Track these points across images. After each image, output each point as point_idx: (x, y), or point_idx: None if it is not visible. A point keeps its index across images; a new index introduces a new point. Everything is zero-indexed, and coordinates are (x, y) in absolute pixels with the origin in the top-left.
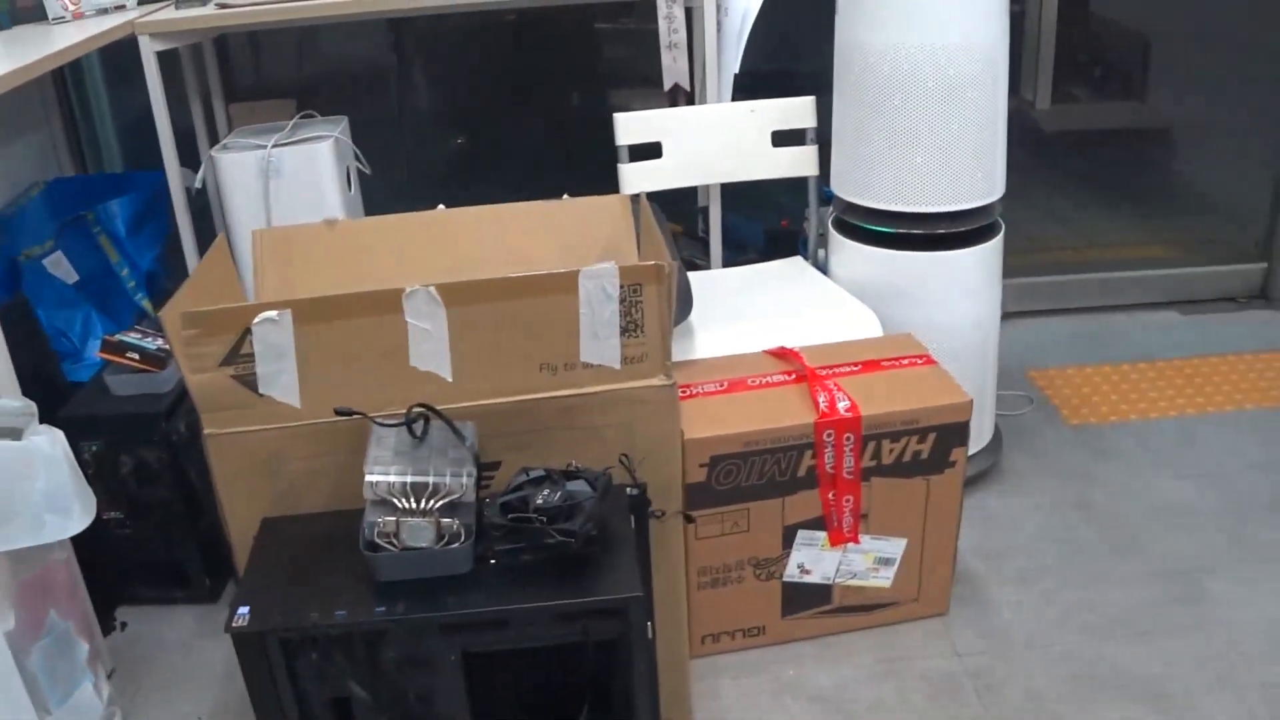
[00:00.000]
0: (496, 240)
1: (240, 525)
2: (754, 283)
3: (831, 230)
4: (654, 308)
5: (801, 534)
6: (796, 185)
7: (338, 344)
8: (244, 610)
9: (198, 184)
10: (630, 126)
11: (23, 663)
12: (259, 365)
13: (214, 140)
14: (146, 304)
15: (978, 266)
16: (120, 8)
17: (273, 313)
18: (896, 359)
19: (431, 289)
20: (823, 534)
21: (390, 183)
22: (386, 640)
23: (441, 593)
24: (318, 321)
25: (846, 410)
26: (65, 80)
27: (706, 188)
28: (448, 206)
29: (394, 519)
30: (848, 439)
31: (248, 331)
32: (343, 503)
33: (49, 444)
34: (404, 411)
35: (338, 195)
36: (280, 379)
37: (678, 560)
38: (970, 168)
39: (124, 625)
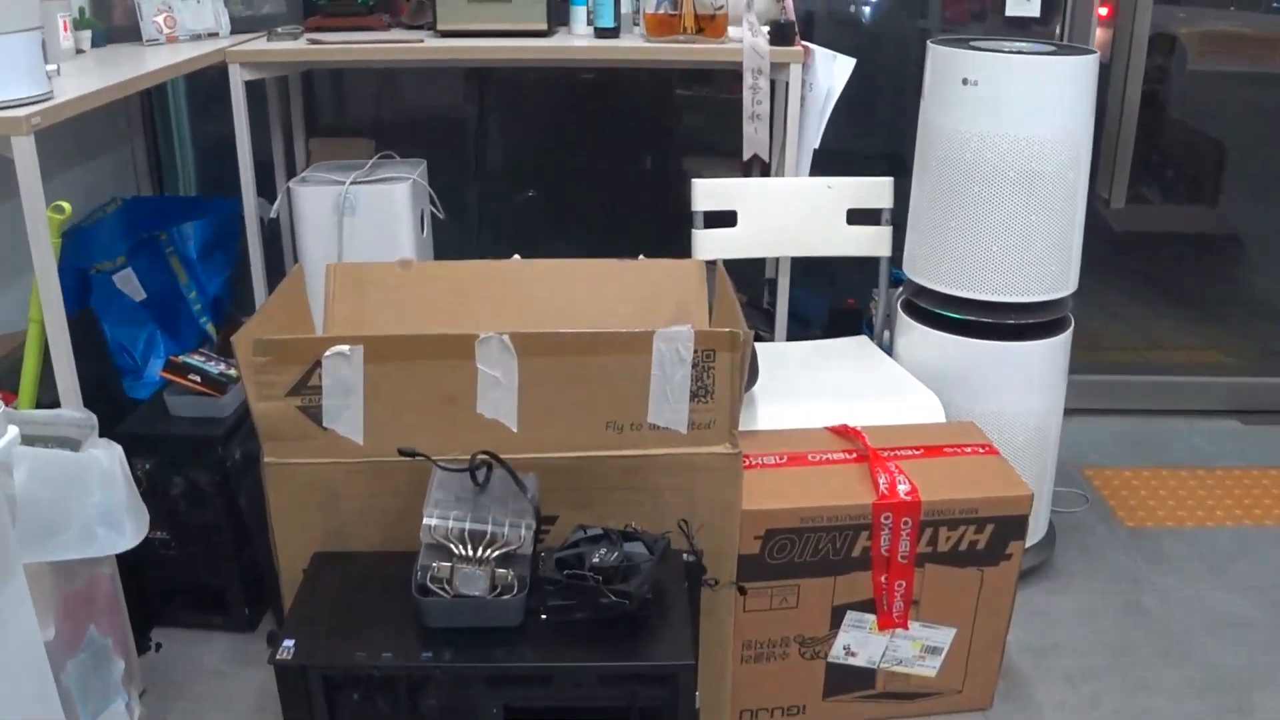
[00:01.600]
0: (569, 294)
1: (291, 557)
2: (818, 359)
3: (900, 312)
4: (725, 375)
5: (850, 615)
6: (863, 264)
7: (405, 384)
8: (289, 643)
9: (273, 214)
10: (708, 193)
11: (58, 676)
12: (325, 398)
13: (291, 172)
14: (210, 328)
15: (1045, 360)
16: (214, 35)
17: (344, 347)
18: (959, 446)
19: (505, 337)
20: (872, 617)
21: (460, 229)
22: (430, 687)
23: (489, 644)
24: (388, 360)
25: (906, 494)
26: (151, 101)
27: (776, 260)
28: (521, 258)
29: (449, 565)
30: (905, 523)
31: (318, 364)
32: (395, 544)
33: (107, 458)
34: (466, 457)
35: (410, 237)
36: (345, 414)
37: (726, 631)
38: (1045, 260)
39: (159, 646)
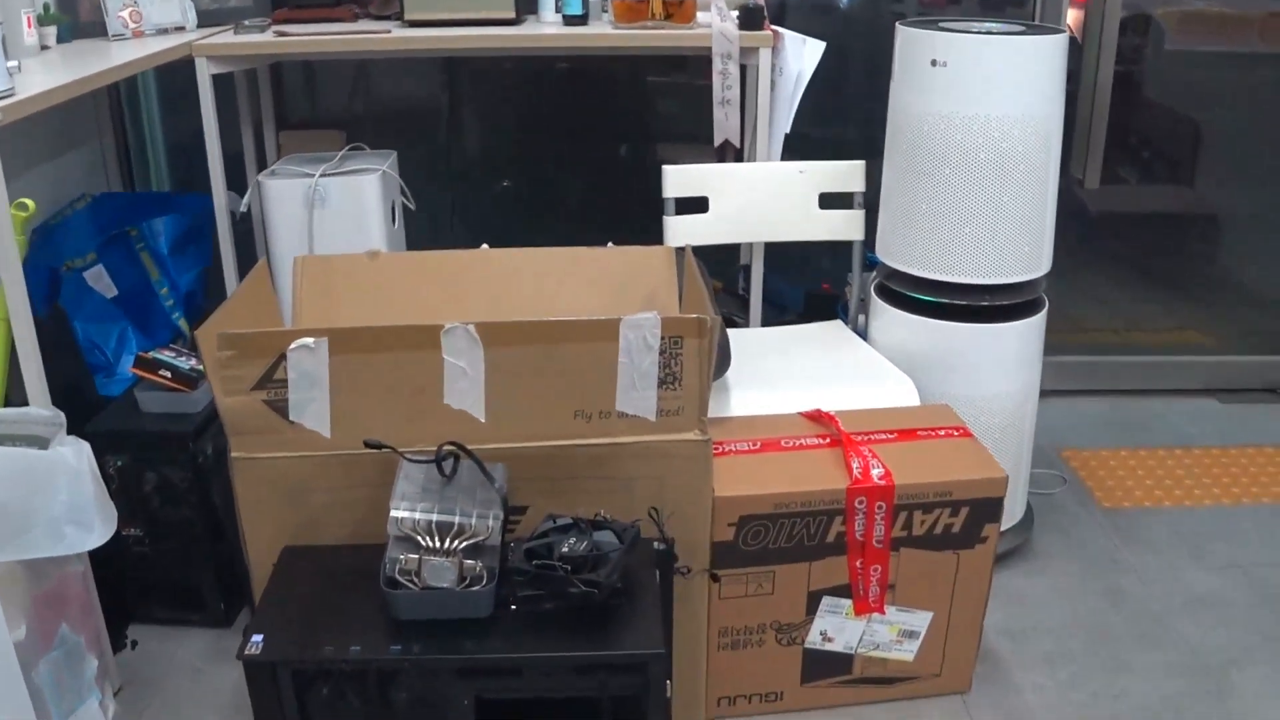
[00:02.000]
0: (539, 283)
1: (260, 551)
2: (792, 344)
3: (873, 296)
4: (694, 361)
5: (826, 600)
6: (837, 249)
7: (372, 376)
8: (257, 639)
9: (243, 208)
10: (678, 179)
11: (29, 675)
12: (291, 392)
13: (262, 166)
14: (183, 324)
15: (1019, 341)
16: (180, 29)
17: (309, 340)
18: (933, 429)
19: (470, 328)
20: (848, 602)
21: (434, 220)
22: (400, 680)
23: (459, 635)
24: (353, 352)
25: (880, 478)
26: (120, 97)
27: (750, 245)
28: (490, 248)
29: (416, 557)
30: (879, 507)
31: (283, 357)
32: (365, 537)
33: (74, 455)
34: (434, 448)
35: (381, 228)
36: (312, 407)
37: (700, 619)
38: (1018, 241)
39: (134, 644)
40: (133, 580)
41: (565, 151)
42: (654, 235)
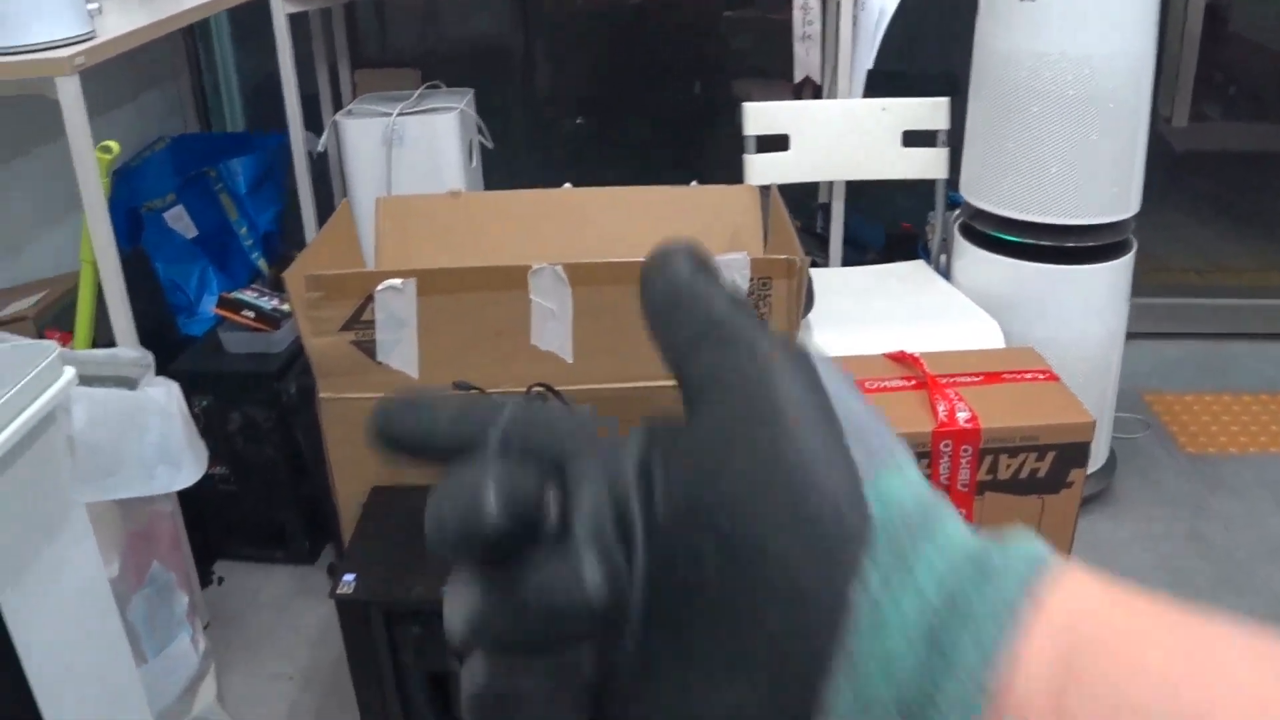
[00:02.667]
0: (622, 223)
1: (348, 491)
2: (875, 284)
3: (957, 236)
4: (782, 303)
5: None
6: (917, 187)
7: (458, 317)
8: (350, 578)
9: (320, 148)
10: (759, 117)
11: (124, 611)
12: (379, 332)
13: (337, 105)
14: (262, 263)
15: (1106, 283)
16: None
17: (397, 281)
18: (1019, 372)
19: (559, 268)
20: None
21: (508, 159)
22: None
23: None
24: (440, 292)
25: (966, 421)
26: (195, 38)
27: (829, 184)
28: (562, 187)
29: None
30: (965, 451)
31: (370, 298)
32: None
33: (164, 396)
34: (520, 389)
35: (459, 167)
36: (399, 347)
37: None
38: (1106, 181)
39: (221, 580)
40: (218, 518)
41: (639, 89)
42: (728, 173)
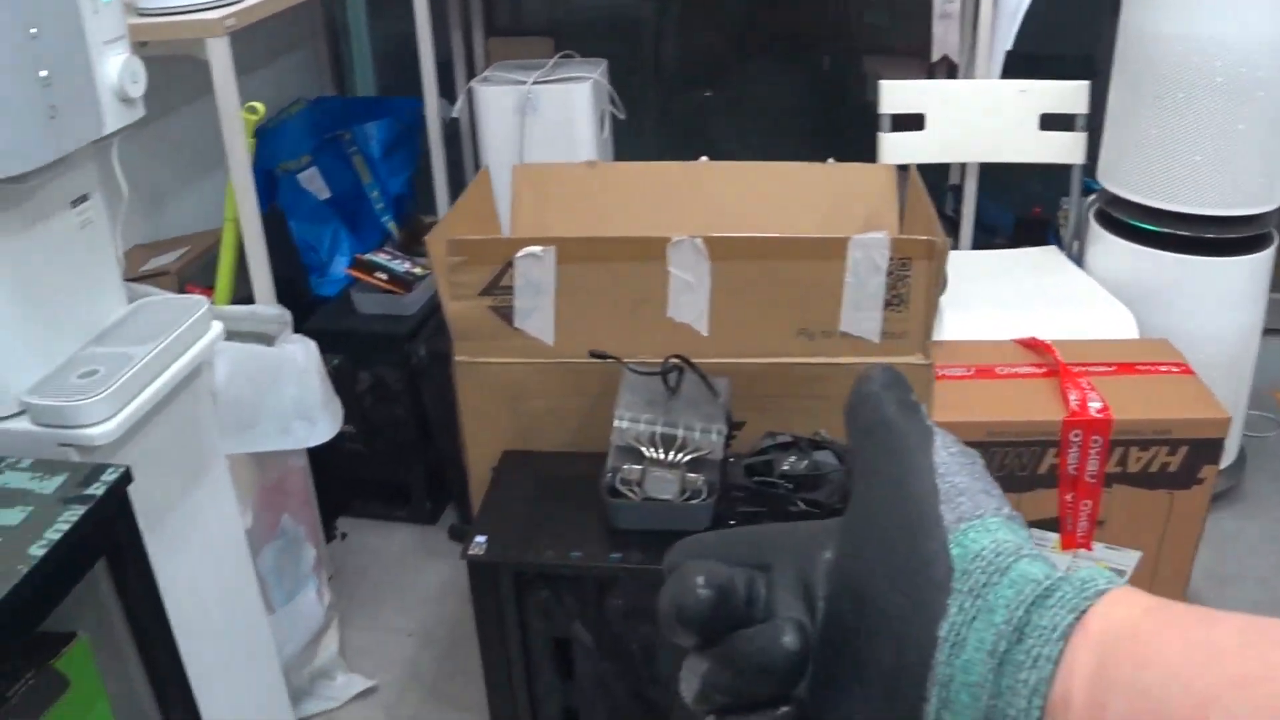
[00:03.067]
0: (755, 197)
1: (480, 454)
2: (1006, 269)
3: (1092, 222)
4: (921, 284)
5: (1034, 533)
6: (1049, 171)
7: (595, 286)
8: (481, 539)
9: (454, 114)
10: (895, 95)
11: (255, 561)
12: (517, 299)
13: (471, 73)
14: (392, 226)
15: (1245, 277)
16: None
17: (537, 248)
18: (1153, 364)
19: (698, 240)
20: (1055, 536)
21: (638, 130)
22: (617, 587)
23: None
24: (579, 261)
25: (1098, 411)
26: (332, 2)
27: (961, 166)
28: (690, 159)
29: (639, 468)
30: (1095, 441)
31: (510, 264)
32: (580, 444)
33: (302, 353)
34: (655, 360)
35: (591, 137)
36: (536, 314)
37: None
38: (1251, 172)
39: (344, 535)
40: (345, 476)
41: (771, 62)
42: (856, 151)
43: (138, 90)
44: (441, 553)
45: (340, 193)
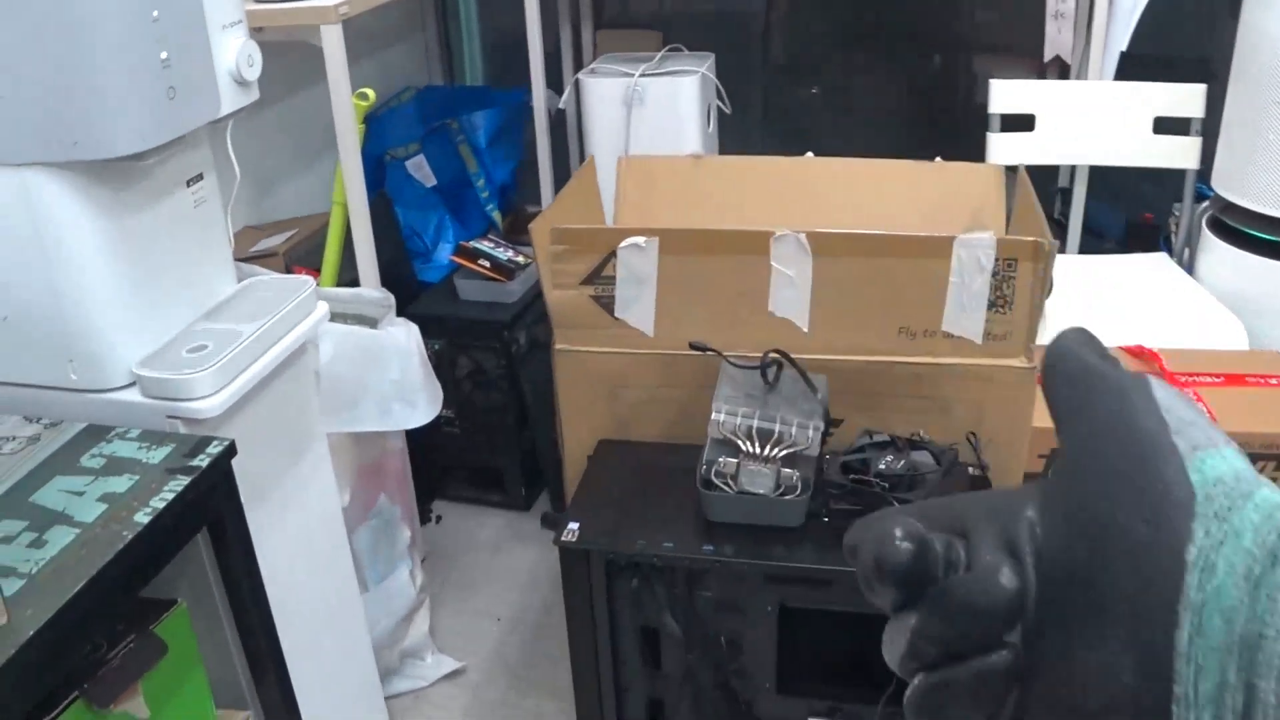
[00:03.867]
0: (861, 194)
1: (576, 442)
2: (1114, 275)
3: (1205, 230)
4: (1026, 286)
5: None
6: (1160, 176)
7: (697, 278)
8: (574, 526)
9: (561, 105)
10: (1006, 95)
11: (350, 539)
12: (619, 289)
13: (578, 64)
14: (496, 215)
15: None
16: None
17: (640, 239)
18: (1263, 376)
19: (801, 235)
20: None
21: (743, 125)
22: (708, 580)
23: (770, 542)
24: (681, 253)
25: None
26: None
27: (1070, 169)
28: (794, 155)
29: (735, 461)
30: None
31: (613, 254)
32: (676, 436)
33: (405, 336)
34: (754, 355)
35: (697, 131)
36: (637, 304)
37: None
38: None
39: (439, 518)
40: (441, 459)
41: (878, 59)
42: (965, 151)
43: (253, 73)
44: (533, 540)
45: (446, 181)
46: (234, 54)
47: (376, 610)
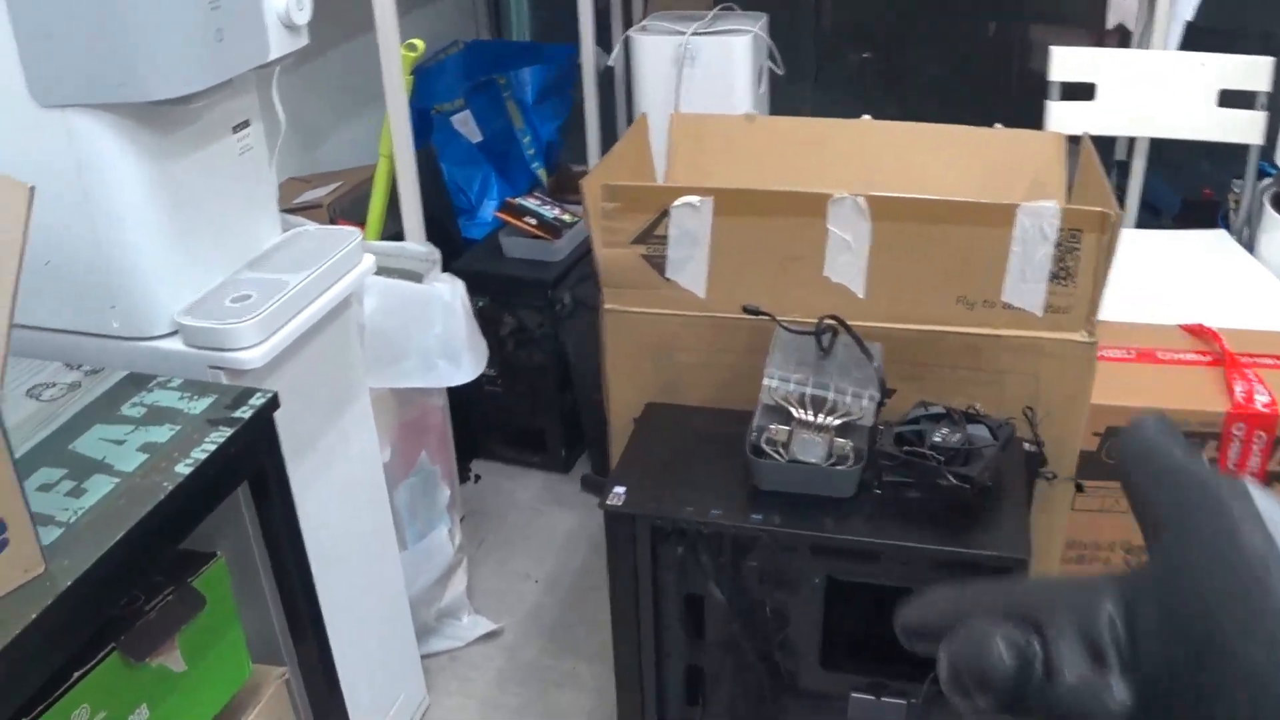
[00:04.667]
0: (918, 160)
1: (621, 404)
2: (1172, 251)
3: (1267, 207)
4: (1090, 258)
5: None
6: (1222, 152)
7: (751, 239)
8: (620, 490)
9: (610, 62)
10: (1066, 62)
11: (391, 495)
12: (671, 248)
13: (628, 22)
14: (541, 173)
15: None
16: None
17: (694, 198)
18: None
19: (860, 199)
20: None
21: (793, 87)
22: (755, 549)
23: (819, 513)
24: (735, 214)
25: (1265, 405)
26: None
27: (1130, 140)
28: (846, 119)
29: (786, 428)
30: (1258, 437)
31: (665, 213)
32: (725, 401)
33: (449, 292)
34: (807, 320)
35: (749, 91)
36: (689, 266)
37: (1055, 529)
38: None
39: (478, 478)
40: (482, 417)
41: (933, 24)
42: (1021, 119)
43: (303, 18)
44: (572, 502)
45: (491, 136)
46: None
47: (414, 569)
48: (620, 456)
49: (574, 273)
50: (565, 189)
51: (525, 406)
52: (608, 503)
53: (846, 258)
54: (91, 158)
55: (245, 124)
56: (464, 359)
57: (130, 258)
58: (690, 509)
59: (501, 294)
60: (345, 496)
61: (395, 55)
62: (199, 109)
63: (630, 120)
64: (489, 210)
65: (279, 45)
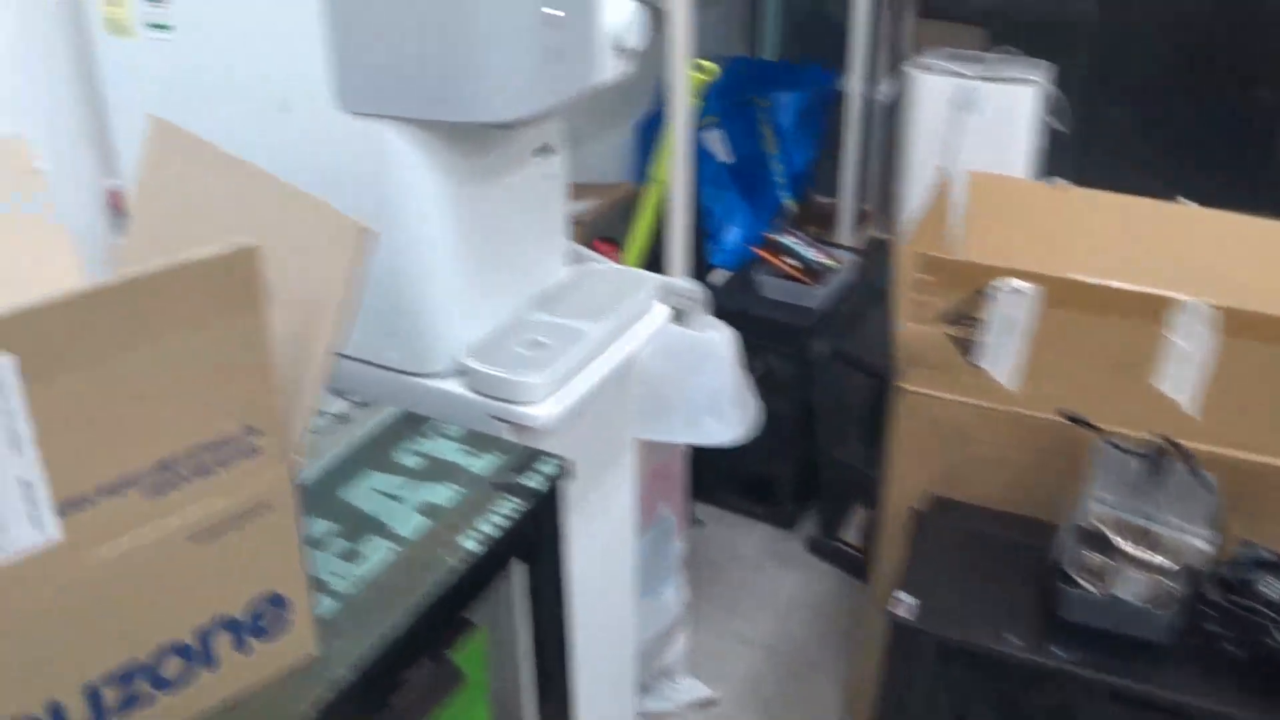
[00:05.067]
0: (1241, 258)
1: (900, 490)
2: None
3: None
4: None
5: None
6: None
7: (1075, 336)
8: (912, 602)
9: (881, 96)
10: None
11: None
12: (985, 333)
13: (894, 53)
14: (789, 202)
15: None
16: None
17: (1023, 284)
18: None
19: (1209, 307)
20: None
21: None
22: (1047, 685)
23: (1127, 657)
24: (1062, 306)
25: None
26: None
27: None
28: (1125, 188)
29: (1102, 557)
30: None
31: (982, 292)
32: (1011, 502)
33: (723, 343)
34: (1126, 432)
35: (1028, 147)
36: (1002, 355)
37: None
38: None
39: (702, 524)
40: (709, 461)
41: (1228, 87)
42: None
43: (636, 42)
44: (794, 562)
45: (742, 159)
46: (623, 19)
47: (641, 623)
48: (910, 561)
49: (831, 321)
50: (809, 221)
51: (760, 455)
52: (899, 614)
53: (1182, 370)
54: (393, 172)
55: (547, 149)
56: (731, 419)
57: (419, 286)
58: (985, 631)
59: (753, 335)
60: (601, 556)
61: (684, 75)
62: (514, 134)
63: (888, 156)
64: (733, 236)
65: (606, 70)
